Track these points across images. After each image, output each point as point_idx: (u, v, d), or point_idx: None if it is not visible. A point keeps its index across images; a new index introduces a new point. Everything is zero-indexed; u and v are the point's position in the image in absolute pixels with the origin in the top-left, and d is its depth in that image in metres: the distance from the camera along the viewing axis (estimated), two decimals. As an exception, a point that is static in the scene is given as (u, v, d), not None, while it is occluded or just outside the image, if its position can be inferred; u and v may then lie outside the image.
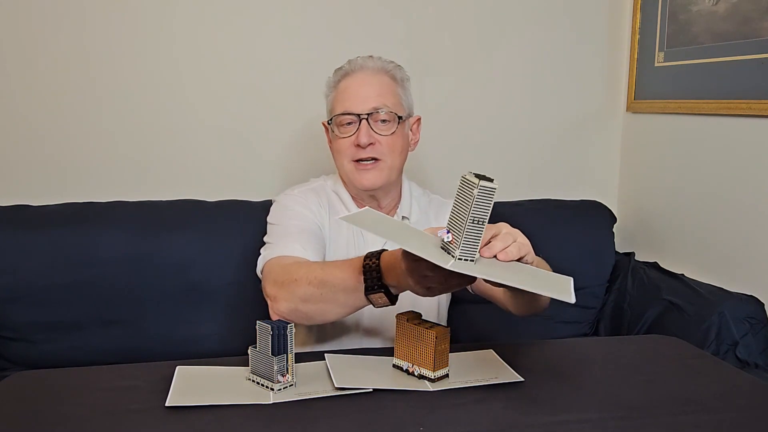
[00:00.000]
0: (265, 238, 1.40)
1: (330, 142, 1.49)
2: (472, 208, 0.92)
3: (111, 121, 1.88)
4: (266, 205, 1.55)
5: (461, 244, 0.95)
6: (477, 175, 0.93)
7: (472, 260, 0.96)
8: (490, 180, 0.92)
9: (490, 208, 0.93)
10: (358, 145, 1.37)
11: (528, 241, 1.04)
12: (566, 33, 2.10)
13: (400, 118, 1.41)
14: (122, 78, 1.87)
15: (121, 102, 1.88)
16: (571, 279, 1.00)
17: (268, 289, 1.24)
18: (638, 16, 2.05)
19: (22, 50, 1.81)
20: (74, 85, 1.85)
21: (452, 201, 1.00)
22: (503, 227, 1.04)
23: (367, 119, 1.37)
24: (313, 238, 1.36)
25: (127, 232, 1.72)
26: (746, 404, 1.08)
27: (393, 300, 1.12)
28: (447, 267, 0.92)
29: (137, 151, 1.90)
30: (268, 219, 1.45)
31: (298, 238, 1.33)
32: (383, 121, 1.39)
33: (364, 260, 1.10)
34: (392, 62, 1.46)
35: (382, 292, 1.10)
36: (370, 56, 1.45)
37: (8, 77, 1.82)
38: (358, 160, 1.39)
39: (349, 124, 1.39)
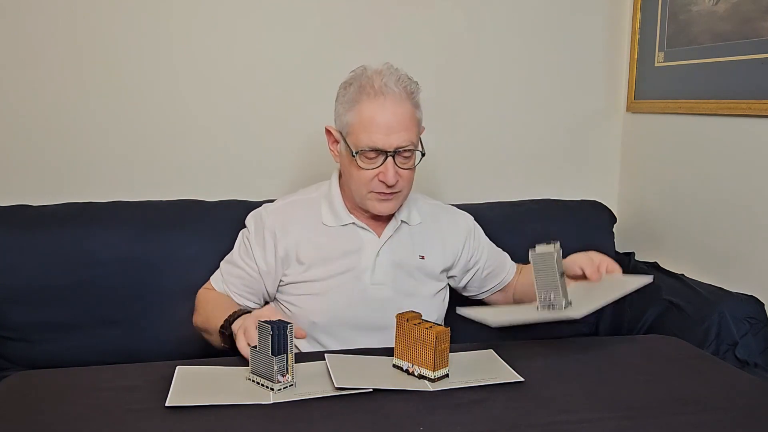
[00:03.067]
0: (223, 262, 1.53)
1: (332, 145, 1.47)
2: (558, 266, 1.16)
3: (111, 121, 1.88)
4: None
5: (563, 296, 1.17)
6: (543, 244, 1.18)
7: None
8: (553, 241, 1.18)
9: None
10: (383, 181, 1.37)
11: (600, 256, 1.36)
12: (566, 33, 2.10)
13: (423, 154, 1.43)
14: (122, 78, 1.87)
15: (121, 102, 1.88)
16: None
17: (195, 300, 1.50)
18: (638, 16, 2.05)
19: (22, 50, 1.81)
20: (74, 85, 1.85)
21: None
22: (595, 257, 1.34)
23: (393, 156, 1.37)
24: (247, 279, 1.47)
25: (127, 232, 1.72)
26: (746, 404, 1.08)
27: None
28: (576, 316, 1.15)
29: (137, 151, 1.90)
30: (241, 232, 1.53)
31: (231, 279, 1.49)
32: (406, 157, 1.39)
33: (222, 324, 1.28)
34: (410, 79, 1.41)
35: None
36: (389, 70, 1.39)
37: (8, 77, 1.81)
38: (379, 192, 1.40)
39: (374, 157, 1.38)
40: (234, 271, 1.48)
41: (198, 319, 1.46)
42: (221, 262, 1.54)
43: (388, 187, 1.38)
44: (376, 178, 1.38)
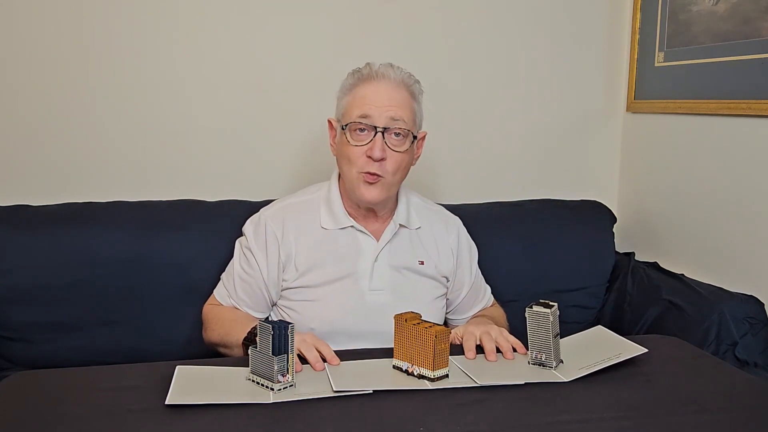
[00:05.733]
0: (223, 275, 1.54)
1: (333, 139, 1.48)
2: (552, 328, 1.17)
3: (111, 121, 1.88)
4: (267, 205, 1.55)
5: (555, 357, 1.18)
6: (541, 304, 1.18)
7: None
8: (550, 305, 1.18)
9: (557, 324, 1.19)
10: (370, 157, 1.38)
11: (493, 328, 1.31)
12: (566, 33, 2.10)
13: (414, 137, 1.43)
14: (122, 78, 1.87)
15: (121, 102, 1.88)
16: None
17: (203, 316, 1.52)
18: (638, 16, 2.05)
19: (22, 50, 1.81)
20: (74, 84, 1.85)
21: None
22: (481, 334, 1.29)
23: (383, 132, 1.37)
24: (250, 291, 1.47)
25: (127, 232, 1.71)
26: (746, 404, 1.08)
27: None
28: (565, 380, 1.15)
29: (137, 151, 1.90)
30: (238, 242, 1.53)
31: (237, 293, 1.48)
32: (397, 134, 1.39)
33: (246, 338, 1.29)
34: (411, 75, 1.45)
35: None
36: (390, 65, 1.43)
37: (8, 77, 1.81)
38: (365, 172, 1.39)
39: (363, 131, 1.39)
40: (238, 283, 1.48)
41: (212, 336, 1.45)
42: (222, 275, 1.55)
43: (375, 162, 1.37)
44: (364, 155, 1.38)
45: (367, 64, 1.44)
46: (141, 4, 1.85)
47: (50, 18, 1.81)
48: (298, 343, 1.18)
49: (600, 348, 1.24)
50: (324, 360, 1.19)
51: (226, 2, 1.89)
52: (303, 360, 1.19)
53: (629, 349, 1.22)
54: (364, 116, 1.38)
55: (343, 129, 1.41)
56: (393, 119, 1.38)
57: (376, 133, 1.37)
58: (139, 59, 1.87)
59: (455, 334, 1.32)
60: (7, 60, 1.81)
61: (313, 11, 1.94)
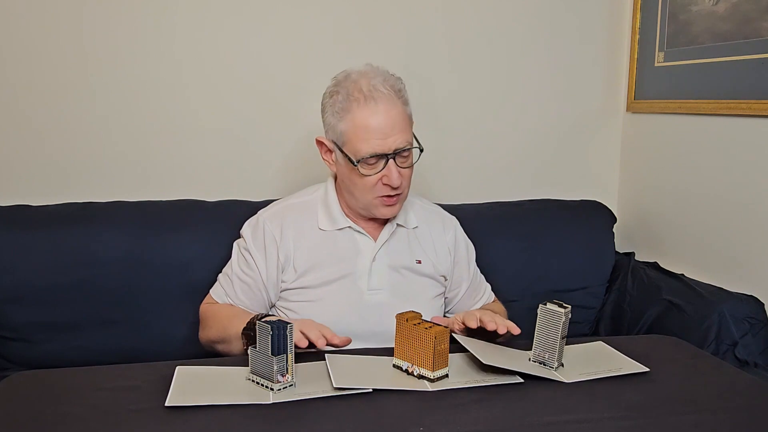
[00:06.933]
0: (220, 275, 1.53)
1: (326, 155, 1.46)
2: (562, 328, 1.17)
3: (111, 121, 1.88)
4: (266, 206, 1.55)
5: (558, 358, 1.18)
6: (556, 304, 1.18)
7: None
8: (564, 306, 1.18)
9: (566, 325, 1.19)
10: (387, 184, 1.38)
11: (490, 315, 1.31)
12: (566, 33, 2.10)
13: (421, 150, 1.43)
14: (123, 78, 1.87)
15: (121, 102, 1.88)
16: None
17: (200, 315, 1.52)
18: (638, 16, 2.05)
19: (22, 50, 1.81)
20: (74, 84, 1.85)
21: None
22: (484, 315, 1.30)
23: (394, 158, 1.37)
24: (250, 293, 1.47)
25: (127, 232, 1.71)
26: (746, 404, 1.08)
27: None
28: (565, 381, 1.15)
29: (137, 151, 1.90)
30: (236, 243, 1.52)
31: (236, 295, 1.48)
32: (405, 156, 1.39)
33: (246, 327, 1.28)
34: (396, 79, 1.41)
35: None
36: (374, 71, 1.39)
37: (8, 77, 1.81)
38: (385, 196, 1.40)
39: (375, 162, 1.37)
40: (237, 285, 1.48)
41: (210, 333, 1.44)
42: (219, 276, 1.54)
43: (393, 189, 1.38)
44: (380, 182, 1.39)
45: (346, 74, 1.39)
46: (141, 4, 1.85)
47: (50, 18, 1.81)
48: (300, 324, 1.19)
49: (600, 361, 1.24)
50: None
51: (226, 2, 1.89)
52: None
53: (629, 366, 1.21)
54: (375, 151, 1.36)
55: (354, 165, 1.38)
56: (401, 147, 1.37)
57: (387, 160, 1.37)
58: (139, 59, 1.87)
59: (455, 319, 1.34)
60: (7, 60, 1.81)
61: (313, 12, 1.94)
